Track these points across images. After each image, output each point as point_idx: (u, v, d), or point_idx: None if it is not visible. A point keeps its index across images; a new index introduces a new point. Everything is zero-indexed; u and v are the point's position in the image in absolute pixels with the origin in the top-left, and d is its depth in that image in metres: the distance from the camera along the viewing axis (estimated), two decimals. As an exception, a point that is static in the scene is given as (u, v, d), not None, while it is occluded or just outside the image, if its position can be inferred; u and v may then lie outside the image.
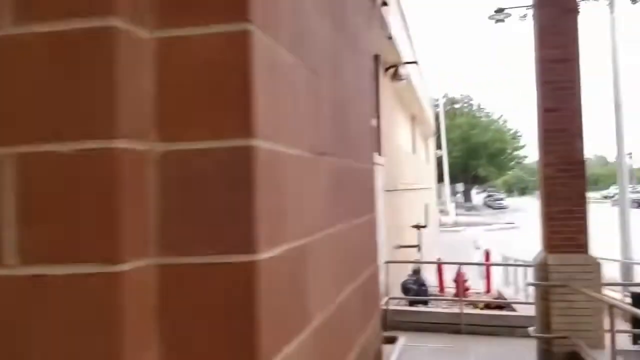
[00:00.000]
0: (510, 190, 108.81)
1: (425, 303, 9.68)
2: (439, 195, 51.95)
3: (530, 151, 74.59)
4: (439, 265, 13.88)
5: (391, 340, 2.89)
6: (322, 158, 1.41)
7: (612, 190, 76.32)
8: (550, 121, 6.20)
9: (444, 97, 62.23)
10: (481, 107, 66.13)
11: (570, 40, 6.24)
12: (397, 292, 9.65)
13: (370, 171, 2.41)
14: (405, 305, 9.55)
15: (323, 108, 1.45)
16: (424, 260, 12.81)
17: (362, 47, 2.24)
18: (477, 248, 26.55)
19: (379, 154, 9.84)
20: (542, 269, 6.17)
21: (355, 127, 1.97)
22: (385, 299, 8.47)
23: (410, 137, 18.35)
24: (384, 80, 10.61)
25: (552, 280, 6.04)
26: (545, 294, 6.12)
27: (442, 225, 37.58)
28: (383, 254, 9.54)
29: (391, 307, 8.69)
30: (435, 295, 12.01)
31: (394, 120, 12.15)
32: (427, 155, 27.51)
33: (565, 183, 6.11)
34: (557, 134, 6.16)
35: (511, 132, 65.12)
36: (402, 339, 2.66)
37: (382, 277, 8.61)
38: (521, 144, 66.29)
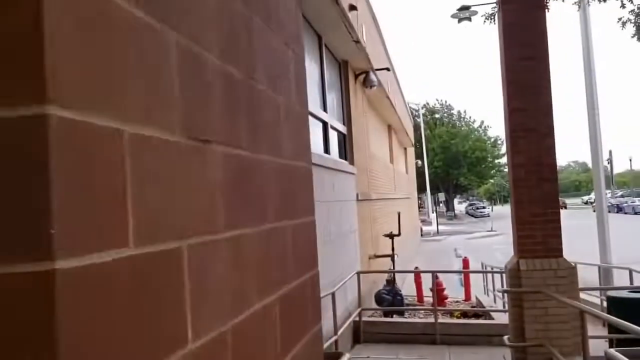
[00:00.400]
0: (492, 199, 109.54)
1: (401, 313, 9.39)
2: (421, 205, 51.97)
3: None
4: (417, 274, 13.67)
5: (336, 357, 2.60)
6: (208, 147, 1.13)
7: (593, 195, 77.33)
8: (518, 121, 6.00)
9: (423, 107, 62.58)
10: (461, 116, 66.40)
11: (539, 38, 6.06)
12: (371, 302, 9.36)
13: (306, 171, 2.13)
14: (380, 316, 9.26)
15: (210, 87, 1.17)
16: (401, 270, 12.55)
17: (285, 27, 1.96)
18: (458, 256, 26.49)
19: (350, 163, 9.60)
20: (515, 275, 5.94)
21: (273, 118, 1.70)
22: (357, 311, 8.19)
23: (387, 147, 18.17)
24: (355, 87, 10.40)
25: (525, 286, 5.81)
26: (518, 300, 5.88)
27: (424, 234, 37.49)
28: (357, 264, 9.27)
29: (364, 319, 8.39)
30: (411, 304, 11.76)
31: (367, 129, 11.94)
32: (407, 165, 27.39)
33: (536, 185, 5.90)
34: (526, 134, 5.96)
35: (491, 140, 65.49)
36: (347, 356, 2.36)
37: (354, 287, 8.32)
38: (502, 151, 66.72)
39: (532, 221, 5.92)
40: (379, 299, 8.99)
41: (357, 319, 8.19)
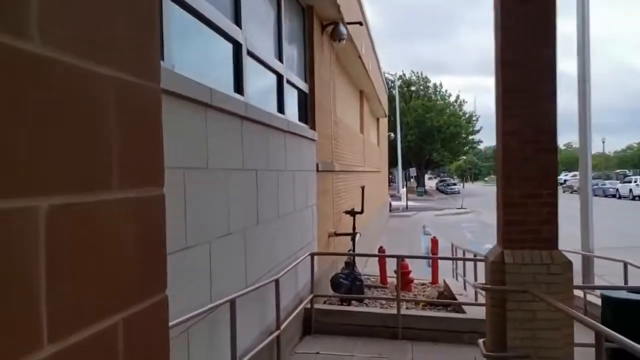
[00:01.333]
0: (462, 176, 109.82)
1: (360, 301, 8.28)
2: (391, 179, 51.13)
3: (485, 135, 74.67)
4: (380, 251, 12.59)
5: None
6: None
7: (563, 176, 77.66)
8: (513, 78, 4.80)
9: (399, 78, 61.29)
10: (437, 89, 65.31)
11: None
12: (327, 288, 8.21)
13: (153, 95, 0.87)
14: (337, 303, 8.13)
15: None
16: (361, 250, 11.44)
17: None
18: (426, 234, 25.57)
19: (311, 128, 8.33)
20: (497, 269, 4.81)
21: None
22: (309, 297, 7.03)
23: (358, 115, 16.92)
24: (321, 40, 9.07)
25: (510, 283, 4.69)
26: (500, 300, 4.76)
27: (392, 210, 36.61)
28: (314, 244, 8.08)
29: (317, 306, 7.25)
30: (373, 286, 10.68)
31: (334, 91, 10.64)
32: (379, 137, 26.21)
33: (531, 157, 4.74)
34: (521, 95, 4.77)
35: (466, 115, 64.73)
36: None
37: (307, 270, 7.15)
38: (477, 128, 66.10)
39: (522, 203, 4.77)
40: (335, 283, 7.84)
41: (309, 306, 7.04)
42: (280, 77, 6.84)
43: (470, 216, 35.11)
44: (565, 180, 71.55)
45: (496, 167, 5.16)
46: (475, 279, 8.66)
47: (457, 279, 11.97)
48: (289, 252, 6.54)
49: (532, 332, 4.61)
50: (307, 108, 8.42)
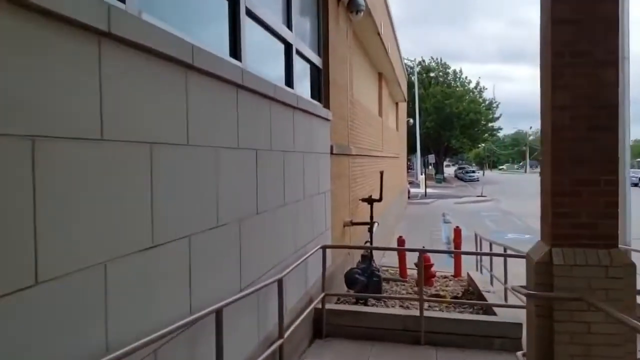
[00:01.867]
0: (481, 163, 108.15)
1: (377, 299, 7.50)
2: (410, 166, 50.12)
3: (504, 123, 73.25)
4: (400, 243, 11.80)
5: None
6: None
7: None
8: (565, 39, 3.94)
9: (418, 64, 60.00)
10: (457, 75, 63.87)
11: None
12: (341, 284, 7.45)
13: None
14: (351, 302, 7.36)
15: None
16: (379, 239, 10.64)
17: None
18: (446, 222, 24.66)
19: (325, 106, 7.53)
20: (543, 271, 4.00)
21: None
22: (320, 296, 6.27)
23: (376, 97, 16.05)
24: (337, 11, 8.23)
25: (559, 288, 3.88)
26: (546, 309, 3.96)
27: (411, 197, 35.72)
28: (327, 234, 7.32)
29: (329, 306, 6.50)
30: (389, 283, 9.89)
31: (350, 68, 9.81)
32: (397, 122, 25.29)
33: (586, 137, 3.90)
34: (575, 60, 3.92)
35: (486, 102, 63.27)
36: None
37: (319, 265, 6.39)
38: (496, 115, 64.60)
39: (575, 192, 3.94)
40: (350, 280, 7.07)
41: (320, 306, 6.29)
42: (288, 47, 6.04)
43: (490, 204, 34.04)
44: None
45: (542, 149, 4.32)
46: (505, 276, 7.83)
47: (481, 271, 11.15)
48: (297, 245, 5.78)
49: (585, 348, 3.81)
50: (320, 84, 7.62)
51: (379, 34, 11.76)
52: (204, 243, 3.36)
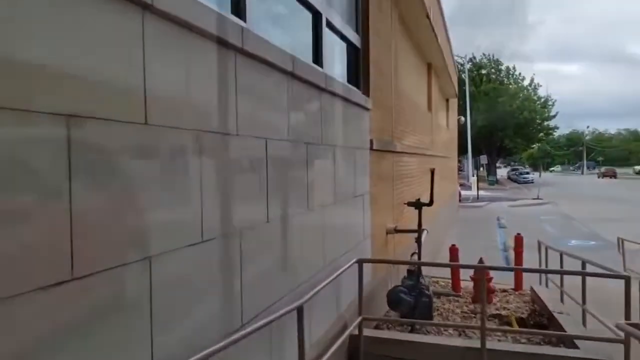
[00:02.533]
0: (534, 165, 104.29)
1: (427, 324, 6.26)
2: (460, 167, 48.27)
3: (561, 121, 70.08)
4: (453, 252, 10.49)
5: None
6: None
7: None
8: None
9: (469, 61, 57.98)
10: (510, 72, 61.37)
11: None
12: (383, 305, 6.26)
13: None
14: (395, 328, 6.15)
15: None
16: (428, 247, 9.36)
17: None
18: (501, 227, 23.00)
19: (364, 93, 6.39)
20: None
21: None
22: (357, 321, 5.11)
23: (425, 90, 14.75)
24: (378, -17, 7.07)
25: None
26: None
27: (462, 200, 34.05)
28: (366, 243, 6.16)
29: (367, 333, 5.33)
30: (440, 298, 8.61)
31: (395, 53, 8.62)
32: (448, 120, 23.81)
33: None
34: None
35: (541, 100, 60.48)
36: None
37: (354, 283, 5.24)
38: (552, 113, 61.63)
39: None
40: (393, 300, 5.86)
41: (357, 332, 5.14)
42: (317, 16, 4.92)
43: (548, 207, 31.99)
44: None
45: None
46: (584, 295, 6.45)
47: (547, 285, 9.71)
48: (326, 259, 4.65)
49: None
50: (359, 67, 6.47)
51: (427, 16, 10.50)
52: (180, 264, 2.28)
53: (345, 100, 5.32)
